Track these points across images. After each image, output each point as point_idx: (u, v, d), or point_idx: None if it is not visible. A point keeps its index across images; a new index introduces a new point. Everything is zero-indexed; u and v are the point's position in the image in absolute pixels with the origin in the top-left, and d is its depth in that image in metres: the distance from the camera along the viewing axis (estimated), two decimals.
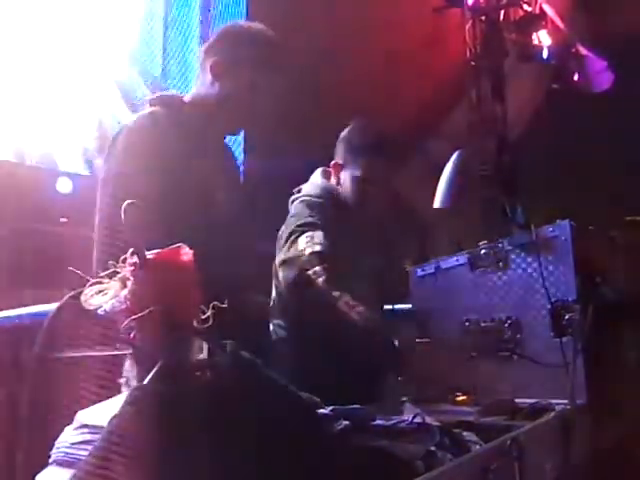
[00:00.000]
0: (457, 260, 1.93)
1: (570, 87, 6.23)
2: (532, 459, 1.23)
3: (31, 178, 3.02)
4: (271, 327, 2.05)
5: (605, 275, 1.69)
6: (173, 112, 1.64)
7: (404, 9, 5.08)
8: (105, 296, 0.89)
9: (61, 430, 1.07)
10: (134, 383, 0.91)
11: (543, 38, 6.12)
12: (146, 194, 1.33)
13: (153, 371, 0.87)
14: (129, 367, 0.95)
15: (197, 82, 1.75)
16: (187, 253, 0.91)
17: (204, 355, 0.93)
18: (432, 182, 4.98)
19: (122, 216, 0.88)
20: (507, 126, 5.82)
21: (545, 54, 6.09)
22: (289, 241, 1.93)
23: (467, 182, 4.98)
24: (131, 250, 0.88)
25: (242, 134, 3.06)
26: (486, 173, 5.49)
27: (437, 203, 4.92)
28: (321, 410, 1.14)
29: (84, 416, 1.04)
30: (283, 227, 2.05)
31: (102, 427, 0.90)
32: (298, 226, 1.95)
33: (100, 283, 0.90)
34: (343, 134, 2.19)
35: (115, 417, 0.87)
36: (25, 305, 1.93)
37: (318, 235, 1.89)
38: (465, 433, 1.31)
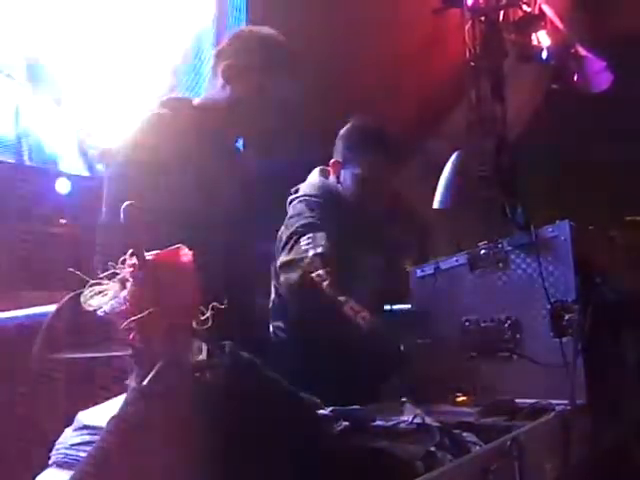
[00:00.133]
0: (457, 260, 1.93)
1: (569, 87, 6.23)
2: (532, 459, 1.23)
3: (30, 179, 3.02)
4: (270, 329, 2.05)
5: (605, 275, 1.68)
6: (180, 114, 1.64)
7: (404, 10, 5.08)
8: (105, 297, 0.89)
9: (61, 431, 1.07)
10: (133, 384, 0.91)
11: (542, 38, 6.13)
12: (148, 195, 1.34)
13: (152, 372, 0.87)
14: (128, 368, 0.95)
15: (208, 86, 1.76)
16: (186, 254, 0.91)
17: (203, 356, 0.93)
18: (432, 182, 4.98)
19: (121, 217, 0.88)
20: (506, 126, 5.82)
21: (544, 54, 6.10)
22: (290, 242, 1.92)
23: (466, 182, 4.99)
24: (130, 251, 0.88)
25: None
26: (485, 173, 5.49)
27: (436, 203, 4.92)
28: (321, 411, 1.14)
29: (84, 417, 1.04)
30: (282, 228, 2.03)
31: (102, 428, 0.90)
32: (299, 227, 1.94)
33: (99, 284, 0.90)
34: (342, 132, 2.18)
35: (114, 418, 0.87)
36: (24, 306, 1.93)
37: (320, 236, 1.89)
38: (465, 434, 1.31)
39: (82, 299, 0.90)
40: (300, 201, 2.08)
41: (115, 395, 1.03)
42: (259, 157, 1.81)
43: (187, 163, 1.52)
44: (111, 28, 3.29)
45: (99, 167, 3.24)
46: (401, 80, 5.17)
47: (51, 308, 1.46)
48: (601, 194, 5.61)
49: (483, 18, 5.95)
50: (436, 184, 4.93)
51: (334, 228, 1.96)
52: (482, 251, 1.87)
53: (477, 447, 1.25)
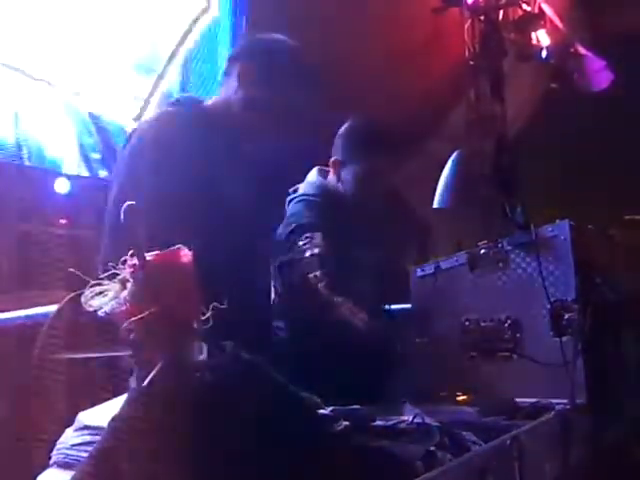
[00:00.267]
0: (457, 260, 1.93)
1: (569, 86, 6.23)
2: (532, 459, 1.23)
3: (30, 179, 3.02)
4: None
5: (605, 275, 1.69)
6: (190, 113, 1.65)
7: (403, 9, 5.07)
8: (105, 297, 0.89)
9: (61, 431, 1.07)
10: (134, 384, 0.91)
11: (542, 38, 6.12)
12: (152, 195, 1.34)
13: (153, 372, 0.87)
14: (129, 368, 0.95)
15: (221, 89, 1.77)
16: (186, 254, 0.91)
17: (204, 356, 0.93)
18: (432, 182, 4.98)
19: (122, 217, 0.88)
20: (506, 125, 5.82)
21: (544, 53, 6.09)
22: (288, 243, 1.93)
23: (466, 182, 4.98)
24: (131, 252, 0.88)
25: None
26: (485, 173, 5.49)
27: (436, 203, 4.92)
28: (321, 410, 1.14)
29: (85, 417, 1.04)
30: (281, 227, 2.04)
31: (103, 428, 0.90)
32: (297, 227, 1.94)
33: (100, 284, 0.90)
34: (342, 131, 2.18)
35: (115, 418, 0.87)
36: (25, 307, 1.93)
37: (317, 237, 1.89)
38: (465, 433, 1.31)
39: (83, 299, 0.90)
40: (299, 201, 2.08)
41: (115, 395, 1.03)
42: (270, 158, 1.82)
43: (198, 162, 1.52)
44: (111, 29, 3.29)
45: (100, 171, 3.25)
46: (400, 79, 5.17)
47: (52, 308, 1.46)
48: (601, 194, 5.61)
49: (483, 17, 5.93)
50: (436, 184, 4.92)
51: (333, 228, 1.96)
52: (482, 251, 1.87)
53: (477, 447, 1.25)
